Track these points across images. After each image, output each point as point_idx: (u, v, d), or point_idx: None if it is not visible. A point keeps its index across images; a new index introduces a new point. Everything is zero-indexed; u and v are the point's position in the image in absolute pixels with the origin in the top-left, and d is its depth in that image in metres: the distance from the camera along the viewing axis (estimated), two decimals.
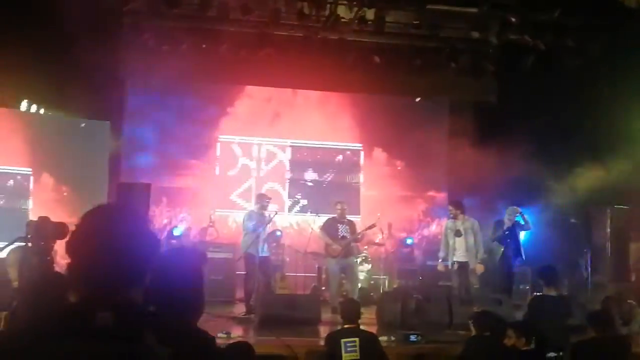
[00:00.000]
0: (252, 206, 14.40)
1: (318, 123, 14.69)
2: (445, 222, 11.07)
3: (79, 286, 1.86)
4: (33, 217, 9.29)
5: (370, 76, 13.67)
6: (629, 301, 9.59)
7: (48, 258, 6.65)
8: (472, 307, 8.72)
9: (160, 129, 14.13)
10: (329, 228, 10.87)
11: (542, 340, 6.08)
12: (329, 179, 15.21)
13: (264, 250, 10.49)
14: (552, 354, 6.35)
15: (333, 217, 11.02)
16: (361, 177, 15.28)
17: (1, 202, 11.27)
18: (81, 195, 11.06)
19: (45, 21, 10.44)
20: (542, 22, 12.28)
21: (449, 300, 9.54)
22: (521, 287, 11.93)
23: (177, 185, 14.38)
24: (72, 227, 1.94)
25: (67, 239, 1.89)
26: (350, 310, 6.82)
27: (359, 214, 14.19)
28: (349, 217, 11.24)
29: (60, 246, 6.36)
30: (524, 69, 12.85)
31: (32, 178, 11.29)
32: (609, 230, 11.52)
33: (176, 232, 12.63)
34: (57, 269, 5.79)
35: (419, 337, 7.96)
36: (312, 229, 11.88)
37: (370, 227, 11.25)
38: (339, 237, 10.73)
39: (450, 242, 10.55)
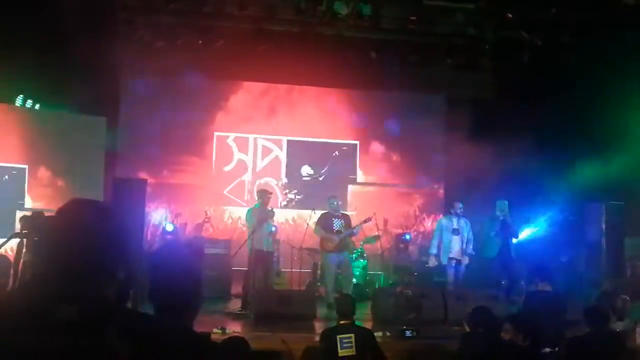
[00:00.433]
0: (247, 202, 14.52)
1: (314, 119, 14.68)
2: (440, 218, 11.17)
3: (47, 279, 1.88)
4: (28, 212, 9.29)
5: (366, 72, 13.67)
6: (622, 296, 9.63)
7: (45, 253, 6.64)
8: (468, 302, 8.74)
9: (156, 125, 14.08)
10: (323, 222, 10.88)
11: (537, 336, 6.08)
12: (325, 174, 15.20)
13: (269, 245, 10.58)
14: (547, 350, 6.36)
15: (328, 212, 11.04)
16: (357, 173, 15.27)
17: None
18: (77, 190, 11.03)
19: (40, 17, 10.41)
20: (538, 18, 12.30)
21: (444, 296, 9.56)
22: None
23: (173, 180, 14.36)
24: None
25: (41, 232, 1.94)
26: (345, 306, 6.81)
27: (355, 210, 14.19)
28: (343, 211, 11.27)
29: None
30: (521, 65, 12.86)
31: (27, 173, 11.26)
32: (604, 225, 11.54)
33: (168, 228, 12.62)
34: None
35: (415, 333, 7.99)
36: (307, 224, 11.88)
37: (365, 221, 11.23)
38: (334, 231, 10.75)
39: (446, 240, 10.66)
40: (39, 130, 11.51)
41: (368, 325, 8.28)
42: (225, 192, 14.73)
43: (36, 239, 6.08)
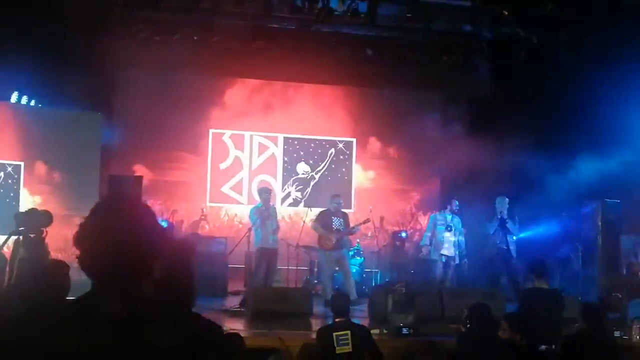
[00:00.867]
0: (244, 199, 14.53)
1: (310, 116, 14.67)
2: (434, 214, 11.22)
3: (89, 278, 1.87)
4: (23, 210, 9.25)
5: (362, 69, 13.66)
6: (613, 294, 9.67)
7: (40, 250, 6.62)
8: (464, 300, 8.73)
9: (152, 121, 14.06)
10: (323, 220, 10.92)
11: (533, 334, 6.09)
12: (322, 171, 15.18)
13: (274, 242, 10.68)
14: (543, 347, 6.36)
15: (328, 210, 11.09)
16: (354, 170, 15.26)
17: None
18: (73, 188, 11.00)
19: (36, 12, 10.37)
20: (534, 16, 12.29)
21: (440, 293, 9.56)
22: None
23: (169, 177, 14.34)
24: (76, 221, 1.95)
25: (75, 231, 1.90)
26: (341, 304, 6.83)
27: (352, 207, 14.20)
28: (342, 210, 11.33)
29: (51, 240, 6.34)
30: (517, 62, 12.86)
31: (22, 170, 11.22)
32: (600, 223, 11.55)
33: (162, 224, 12.57)
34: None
35: (411, 330, 7.98)
36: (304, 222, 11.90)
37: (364, 222, 11.32)
38: (333, 229, 10.79)
39: (439, 236, 10.71)
40: (34, 127, 11.46)
41: (364, 322, 8.27)
42: (221, 189, 14.72)
43: (32, 235, 6.07)
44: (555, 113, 12.41)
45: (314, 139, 15.15)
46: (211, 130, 14.74)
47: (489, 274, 11.04)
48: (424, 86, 14.71)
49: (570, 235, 12.16)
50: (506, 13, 12.25)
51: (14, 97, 11.72)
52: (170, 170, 14.40)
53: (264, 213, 10.57)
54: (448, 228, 10.72)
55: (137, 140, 14.02)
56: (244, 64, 13.42)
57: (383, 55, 13.62)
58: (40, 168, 11.17)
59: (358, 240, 12.84)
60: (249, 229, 10.86)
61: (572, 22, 12.22)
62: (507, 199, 10.81)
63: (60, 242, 9.39)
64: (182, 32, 12.79)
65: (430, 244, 10.91)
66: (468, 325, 6.29)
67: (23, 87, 11.60)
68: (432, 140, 15.05)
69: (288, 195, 15.01)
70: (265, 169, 15.03)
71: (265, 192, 10.98)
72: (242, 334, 5.67)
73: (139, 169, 13.76)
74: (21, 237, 5.91)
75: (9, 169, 11.05)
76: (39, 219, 6.04)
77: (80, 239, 1.89)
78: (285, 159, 15.10)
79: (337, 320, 6.64)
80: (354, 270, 12.25)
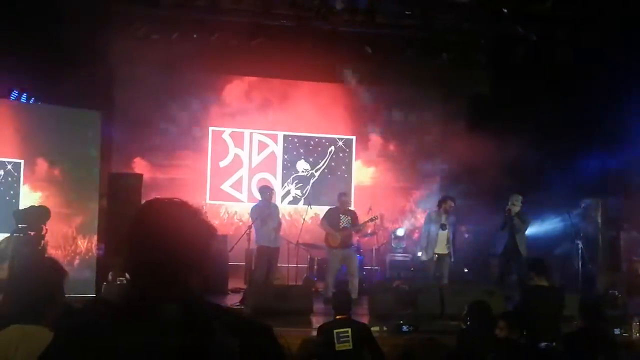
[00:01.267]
0: (243, 197, 14.53)
1: (310, 113, 14.64)
2: (429, 212, 11.22)
3: (139, 279, 1.87)
4: (22, 208, 9.25)
5: (361, 67, 13.65)
6: (610, 291, 9.68)
7: (39, 247, 6.63)
8: (465, 297, 8.74)
9: (151, 119, 14.07)
10: (330, 218, 10.98)
11: (533, 331, 6.09)
12: (321, 169, 15.18)
13: (276, 241, 10.76)
14: (543, 345, 6.36)
15: (336, 208, 11.17)
16: (353, 168, 15.25)
17: None
18: (74, 184, 11.00)
19: (33, 11, 10.35)
20: (533, 13, 12.28)
21: (440, 291, 9.57)
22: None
23: (168, 175, 14.33)
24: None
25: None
26: (342, 301, 6.84)
27: (351, 205, 14.18)
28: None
29: (51, 237, 6.34)
30: (516, 61, 12.86)
31: (22, 168, 11.20)
32: (600, 220, 11.56)
33: None
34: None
35: (411, 328, 7.99)
36: (304, 219, 11.91)
37: (372, 219, 11.47)
38: (340, 227, 10.84)
39: (433, 234, 10.70)
40: (34, 124, 11.44)
41: (365, 320, 8.28)
42: (221, 187, 14.71)
43: (32, 233, 6.07)
44: (555, 110, 12.40)
45: (314, 137, 15.14)
46: (211, 128, 14.73)
47: (496, 272, 11.04)
48: (423, 83, 14.69)
49: (570, 232, 12.16)
50: (505, 11, 12.23)
51: (13, 95, 11.71)
52: (170, 168, 14.39)
53: (265, 211, 10.59)
54: (443, 227, 10.72)
55: (137, 137, 14.02)
56: (243, 62, 13.40)
57: (382, 52, 13.59)
58: (41, 165, 11.16)
59: (357, 238, 12.84)
60: (249, 227, 10.86)
61: (571, 19, 12.22)
62: (520, 197, 10.67)
63: (60, 239, 9.39)
64: (181, 30, 12.77)
65: (426, 242, 10.89)
66: (468, 323, 6.30)
67: (22, 84, 11.59)
68: (432, 137, 15.06)
69: (288, 193, 15.00)
70: (265, 167, 15.02)
71: (267, 191, 11.03)
72: None
73: (139, 167, 13.76)
74: (21, 235, 5.92)
75: (9, 166, 11.03)
76: (39, 217, 6.05)
77: (130, 245, 1.89)
78: (285, 156, 15.08)
79: (337, 317, 6.65)
80: None
